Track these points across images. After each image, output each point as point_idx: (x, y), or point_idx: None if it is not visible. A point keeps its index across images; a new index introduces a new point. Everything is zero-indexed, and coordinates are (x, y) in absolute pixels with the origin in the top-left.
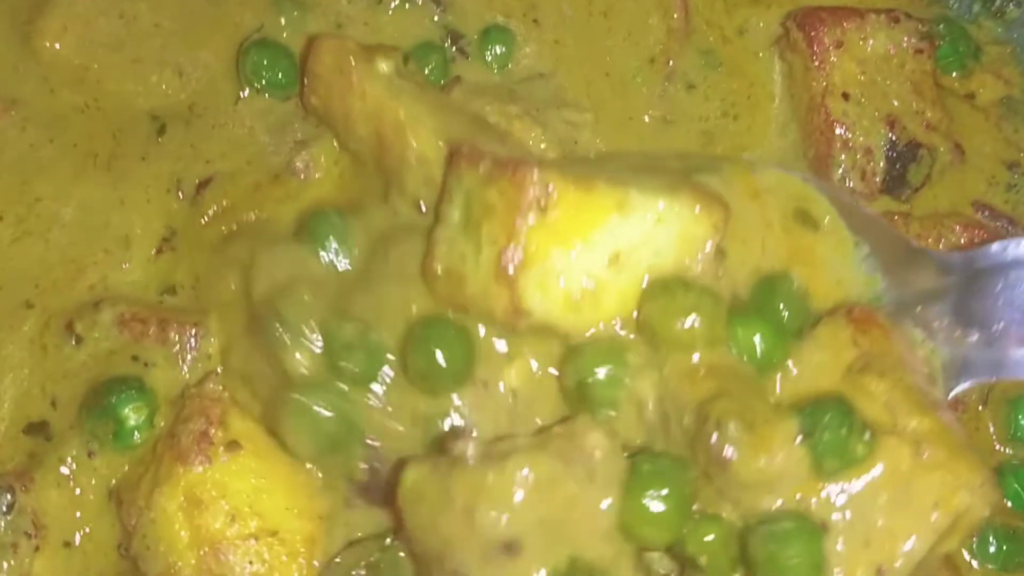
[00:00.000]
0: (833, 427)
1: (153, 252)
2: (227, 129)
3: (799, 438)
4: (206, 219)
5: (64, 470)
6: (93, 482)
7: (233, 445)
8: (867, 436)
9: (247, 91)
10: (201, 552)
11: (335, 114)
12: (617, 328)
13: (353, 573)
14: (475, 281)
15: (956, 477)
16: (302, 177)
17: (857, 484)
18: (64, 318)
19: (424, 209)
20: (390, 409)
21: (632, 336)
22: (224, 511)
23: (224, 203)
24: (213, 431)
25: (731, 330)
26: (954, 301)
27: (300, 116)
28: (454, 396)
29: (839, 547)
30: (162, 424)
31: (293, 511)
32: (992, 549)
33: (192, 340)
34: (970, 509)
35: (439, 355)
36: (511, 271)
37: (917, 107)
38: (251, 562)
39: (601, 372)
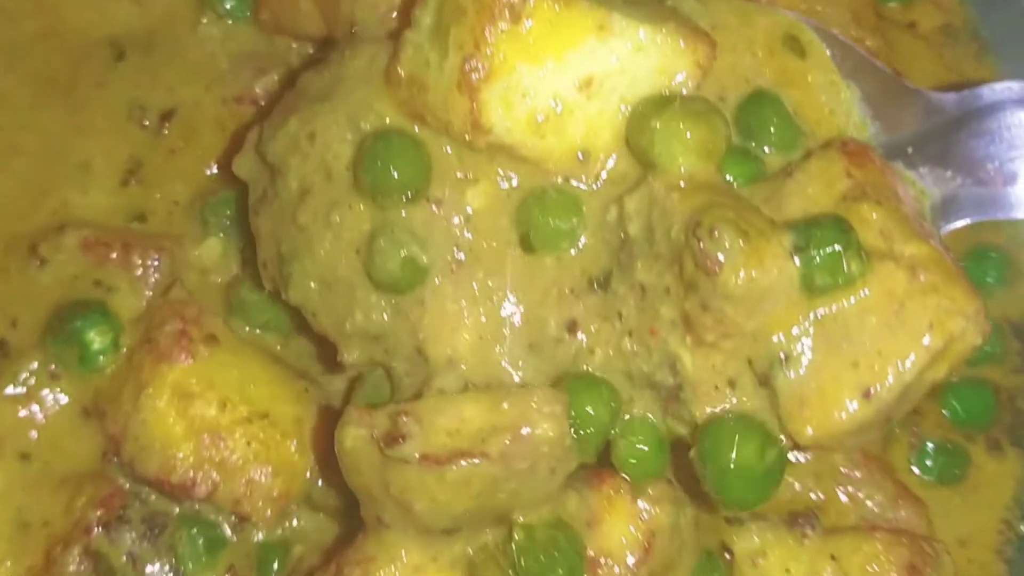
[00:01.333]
0: (829, 243)
1: (119, 183)
2: (187, 55)
3: (793, 253)
4: (174, 152)
5: (19, 388)
6: (59, 400)
7: (211, 339)
8: (863, 255)
9: (208, 17)
10: (200, 440)
11: (282, 15)
12: (579, 159)
13: None
14: (436, 89)
15: (952, 301)
16: (262, 103)
17: (847, 304)
18: (28, 241)
19: (354, 29)
20: (330, 237)
21: (599, 172)
22: (215, 400)
23: (189, 136)
24: (190, 328)
25: None
26: (946, 141)
27: (262, 42)
28: (403, 212)
29: (825, 370)
30: (127, 346)
31: (278, 397)
32: (930, 463)
33: (155, 263)
34: (964, 335)
35: (391, 167)
36: (474, 80)
37: (857, 35)
38: (249, 443)
39: (551, 224)
